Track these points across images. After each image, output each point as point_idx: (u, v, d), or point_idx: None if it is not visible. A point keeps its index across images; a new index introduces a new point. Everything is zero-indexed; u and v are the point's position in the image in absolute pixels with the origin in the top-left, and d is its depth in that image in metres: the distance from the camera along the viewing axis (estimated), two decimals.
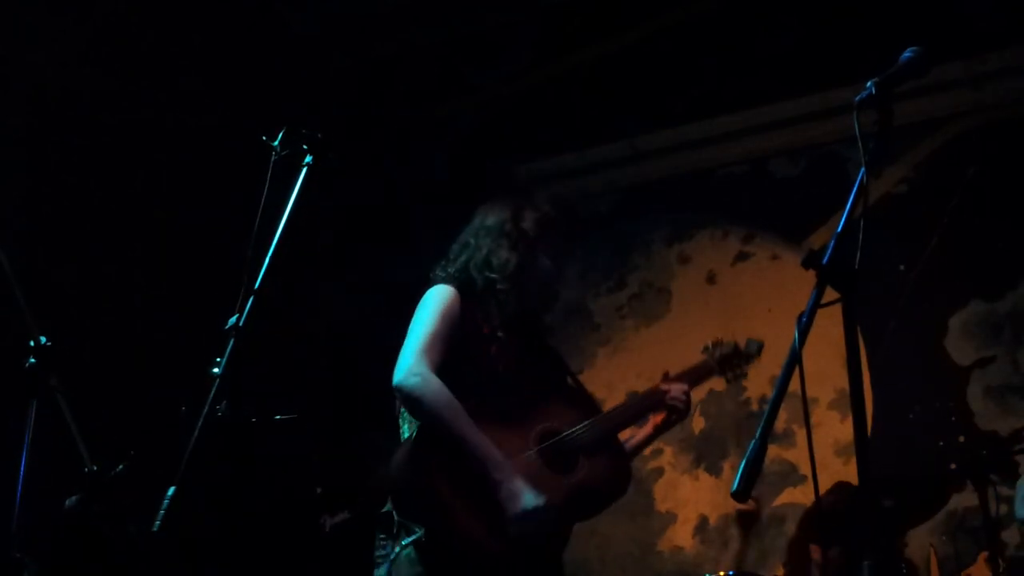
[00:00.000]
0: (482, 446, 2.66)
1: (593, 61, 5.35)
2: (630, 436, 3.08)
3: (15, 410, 2.62)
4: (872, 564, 1.87)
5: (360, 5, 5.55)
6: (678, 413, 3.03)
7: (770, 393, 1.88)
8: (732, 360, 3.18)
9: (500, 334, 2.83)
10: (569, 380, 3.03)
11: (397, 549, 2.62)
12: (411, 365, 2.70)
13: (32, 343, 2.63)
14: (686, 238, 5.16)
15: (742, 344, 3.20)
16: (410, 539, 2.61)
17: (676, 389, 3.01)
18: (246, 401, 2.43)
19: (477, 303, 2.84)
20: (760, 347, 3.23)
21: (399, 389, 2.71)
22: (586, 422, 2.81)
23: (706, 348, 3.19)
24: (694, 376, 3.13)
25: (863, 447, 1.74)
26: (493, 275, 2.85)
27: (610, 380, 5.07)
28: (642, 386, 4.96)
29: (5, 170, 4.22)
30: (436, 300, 2.82)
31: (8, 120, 4.33)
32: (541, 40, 5.54)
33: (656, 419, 3.07)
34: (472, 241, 2.94)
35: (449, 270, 2.91)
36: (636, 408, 3.04)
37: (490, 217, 2.96)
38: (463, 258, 2.91)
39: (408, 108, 5.85)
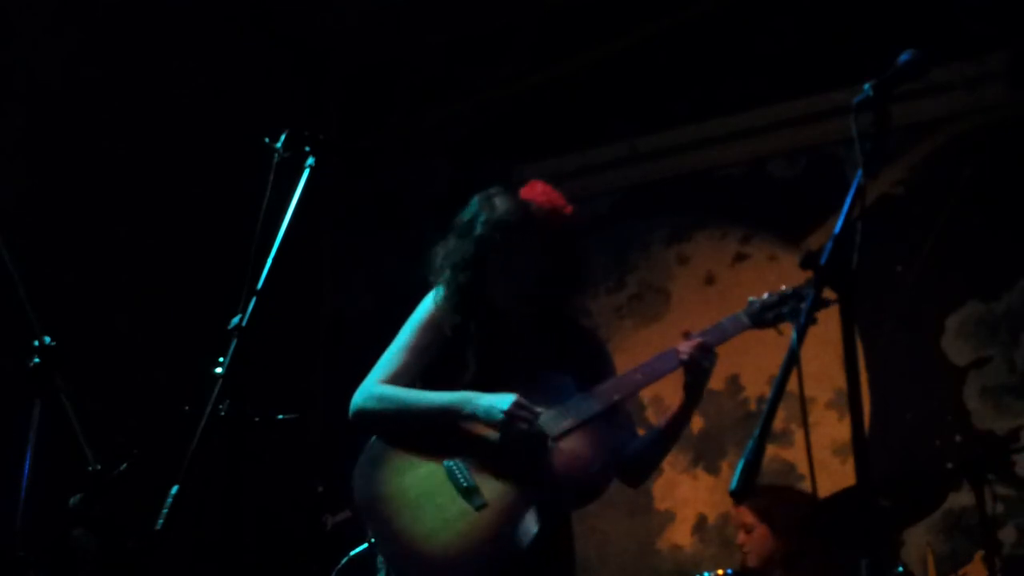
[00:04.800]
0: (437, 399, 2.58)
1: (593, 62, 5.36)
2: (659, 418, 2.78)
3: (20, 410, 2.64)
4: (870, 562, 1.89)
5: (360, 6, 5.56)
6: (695, 371, 2.61)
7: (768, 393, 1.88)
8: (772, 307, 2.66)
9: (474, 336, 2.68)
10: (562, 372, 2.68)
11: None
12: (359, 394, 2.65)
13: (36, 343, 2.64)
14: (685, 239, 5.17)
15: (789, 289, 2.66)
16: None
17: (687, 345, 2.61)
18: (248, 400, 2.45)
19: (453, 306, 2.72)
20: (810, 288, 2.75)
21: (352, 422, 2.64)
22: (549, 411, 2.57)
23: (750, 302, 2.69)
24: (719, 331, 2.66)
25: (861, 446, 1.75)
26: (453, 286, 2.71)
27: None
28: None
29: (5, 170, 4.23)
30: (417, 310, 2.75)
31: (8, 120, 4.34)
32: (541, 42, 5.56)
33: (680, 389, 2.69)
34: (447, 243, 2.79)
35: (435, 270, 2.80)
36: (632, 380, 2.66)
37: (462, 217, 2.79)
38: (438, 260, 2.78)
39: (408, 109, 5.86)
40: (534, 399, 2.58)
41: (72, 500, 2.50)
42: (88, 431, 2.55)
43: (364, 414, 2.64)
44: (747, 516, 3.87)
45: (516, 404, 2.52)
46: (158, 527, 2.21)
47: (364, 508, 2.59)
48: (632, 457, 2.73)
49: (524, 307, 2.73)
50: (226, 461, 2.51)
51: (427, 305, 2.75)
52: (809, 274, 2.33)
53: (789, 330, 2.62)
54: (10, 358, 2.77)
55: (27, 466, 2.58)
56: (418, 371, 2.68)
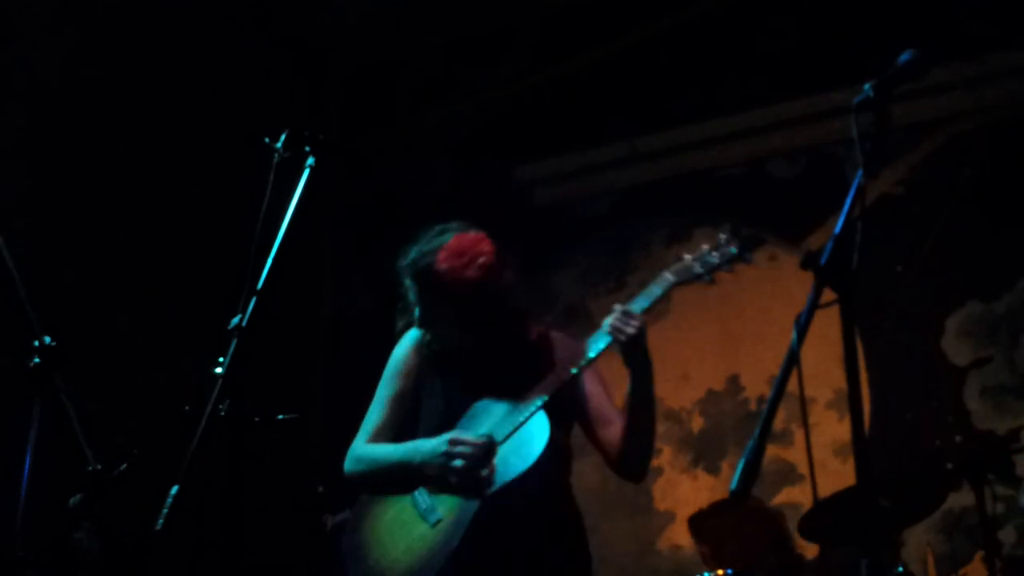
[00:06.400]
0: (395, 454, 2.72)
1: (593, 62, 5.37)
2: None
3: (20, 410, 2.64)
4: (870, 562, 1.89)
5: (360, 6, 5.57)
6: (621, 340, 2.56)
7: (768, 393, 1.87)
8: (698, 259, 2.65)
9: (437, 375, 2.80)
10: (520, 388, 2.68)
11: None
12: (347, 456, 2.80)
13: (36, 343, 2.64)
14: (685, 239, 5.17)
15: (723, 237, 2.61)
16: None
17: (611, 316, 2.60)
18: (248, 400, 2.45)
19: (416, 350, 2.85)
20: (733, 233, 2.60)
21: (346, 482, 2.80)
22: (499, 418, 2.63)
23: (676, 258, 2.67)
24: (646, 294, 2.65)
25: (861, 446, 1.75)
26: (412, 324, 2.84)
27: (609, 380, 5.07)
28: None
29: (5, 170, 4.23)
30: (390, 359, 2.88)
31: (8, 120, 4.33)
32: (541, 42, 5.56)
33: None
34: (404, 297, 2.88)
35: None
36: (566, 367, 2.62)
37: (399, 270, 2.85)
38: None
39: (408, 109, 5.86)
40: (489, 417, 2.64)
41: (72, 500, 2.50)
42: (88, 431, 2.55)
43: (350, 476, 2.80)
44: (700, 545, 3.97)
45: (450, 442, 2.58)
46: (158, 527, 2.22)
47: (347, 558, 2.72)
48: (615, 447, 2.71)
49: (465, 342, 2.78)
50: (226, 461, 2.51)
51: (398, 352, 2.87)
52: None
53: (719, 279, 2.63)
54: (10, 358, 2.77)
55: (27, 466, 2.58)
56: (400, 420, 2.80)
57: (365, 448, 2.77)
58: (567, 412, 2.72)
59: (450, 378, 2.79)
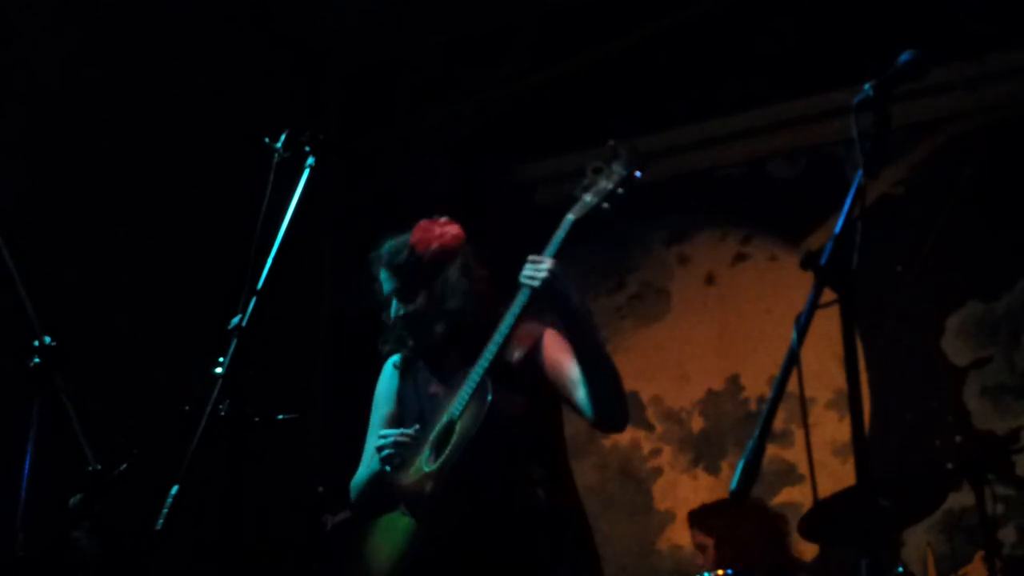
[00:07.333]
0: (367, 477, 2.83)
1: (593, 62, 5.36)
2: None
3: (20, 410, 2.64)
4: (870, 562, 1.89)
5: (360, 6, 5.57)
6: (533, 289, 2.55)
7: (768, 393, 1.86)
8: (589, 190, 2.67)
9: (411, 386, 2.85)
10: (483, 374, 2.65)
11: None
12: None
13: (36, 343, 2.64)
14: (685, 239, 5.18)
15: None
16: None
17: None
18: (248, 400, 2.45)
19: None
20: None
21: None
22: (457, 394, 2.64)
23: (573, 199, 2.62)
24: (551, 241, 2.67)
25: (861, 446, 1.75)
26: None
27: None
28: (641, 387, 4.99)
29: (5, 170, 4.23)
30: (377, 384, 2.95)
31: (8, 120, 4.33)
32: (541, 42, 5.56)
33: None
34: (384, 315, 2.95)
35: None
36: (505, 335, 2.59)
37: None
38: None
39: (408, 109, 5.86)
40: (450, 403, 2.66)
41: (72, 500, 2.50)
42: (88, 431, 2.55)
43: (353, 506, 2.91)
44: (699, 537, 3.97)
45: (378, 449, 2.66)
46: (158, 527, 2.22)
47: (351, 565, 2.84)
48: (584, 404, 2.65)
49: (438, 329, 2.78)
50: (226, 461, 2.51)
51: (380, 379, 2.94)
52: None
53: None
54: (10, 358, 2.77)
55: (27, 466, 2.58)
56: None
57: (356, 477, 2.89)
58: (528, 380, 2.69)
59: (420, 382, 2.83)
